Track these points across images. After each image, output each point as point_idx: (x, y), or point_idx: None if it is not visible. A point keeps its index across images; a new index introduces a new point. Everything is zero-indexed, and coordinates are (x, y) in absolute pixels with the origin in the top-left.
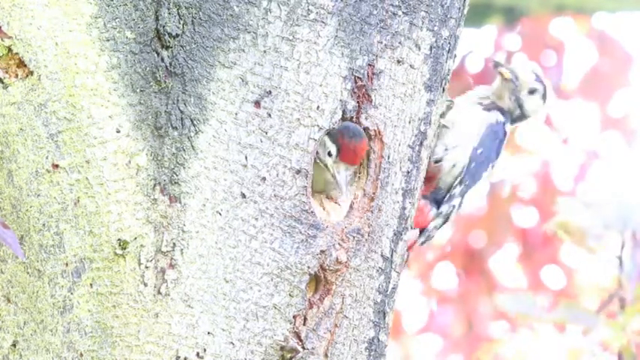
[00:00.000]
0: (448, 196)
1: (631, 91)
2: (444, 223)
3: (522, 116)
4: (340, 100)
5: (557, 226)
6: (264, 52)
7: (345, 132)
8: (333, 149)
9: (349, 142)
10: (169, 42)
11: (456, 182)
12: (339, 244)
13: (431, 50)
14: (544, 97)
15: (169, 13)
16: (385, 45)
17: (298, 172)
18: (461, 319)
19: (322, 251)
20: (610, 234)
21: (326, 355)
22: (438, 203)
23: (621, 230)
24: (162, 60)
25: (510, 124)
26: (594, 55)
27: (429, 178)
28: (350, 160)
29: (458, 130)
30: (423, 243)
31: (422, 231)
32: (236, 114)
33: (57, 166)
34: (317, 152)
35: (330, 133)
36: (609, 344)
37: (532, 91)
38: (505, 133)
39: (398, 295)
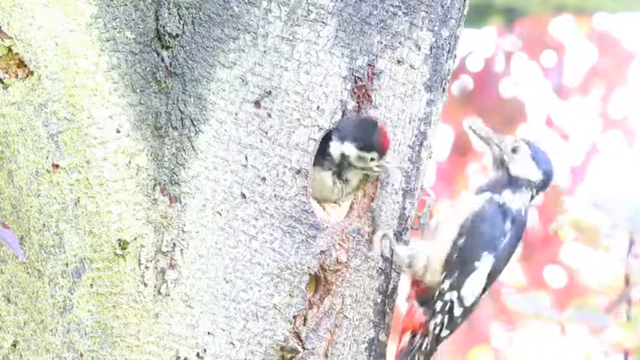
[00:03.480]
0: (438, 292)
1: (631, 91)
2: (451, 322)
3: (516, 183)
4: (340, 100)
5: (568, 224)
6: (264, 52)
7: (362, 134)
8: (373, 154)
9: (374, 136)
10: (169, 42)
11: (442, 277)
12: (339, 244)
13: (431, 50)
14: (535, 159)
15: (169, 14)
16: (385, 45)
17: (298, 172)
18: None
19: (322, 251)
20: (619, 233)
21: (326, 355)
22: (427, 305)
23: (630, 230)
24: (163, 60)
25: (509, 193)
26: (594, 55)
27: (415, 282)
28: (387, 145)
29: (433, 230)
30: (425, 344)
31: (413, 334)
32: (236, 114)
33: (57, 166)
34: (347, 171)
35: (356, 146)
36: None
37: (515, 150)
38: (505, 212)
39: (398, 295)
